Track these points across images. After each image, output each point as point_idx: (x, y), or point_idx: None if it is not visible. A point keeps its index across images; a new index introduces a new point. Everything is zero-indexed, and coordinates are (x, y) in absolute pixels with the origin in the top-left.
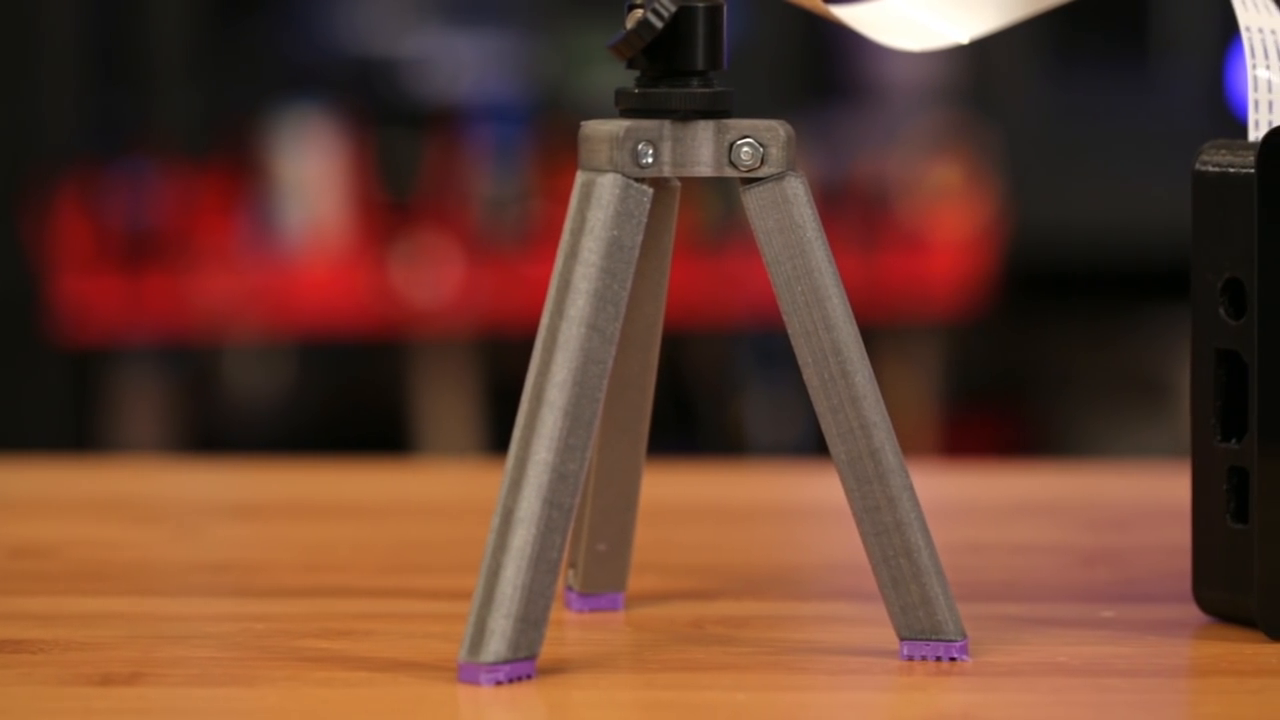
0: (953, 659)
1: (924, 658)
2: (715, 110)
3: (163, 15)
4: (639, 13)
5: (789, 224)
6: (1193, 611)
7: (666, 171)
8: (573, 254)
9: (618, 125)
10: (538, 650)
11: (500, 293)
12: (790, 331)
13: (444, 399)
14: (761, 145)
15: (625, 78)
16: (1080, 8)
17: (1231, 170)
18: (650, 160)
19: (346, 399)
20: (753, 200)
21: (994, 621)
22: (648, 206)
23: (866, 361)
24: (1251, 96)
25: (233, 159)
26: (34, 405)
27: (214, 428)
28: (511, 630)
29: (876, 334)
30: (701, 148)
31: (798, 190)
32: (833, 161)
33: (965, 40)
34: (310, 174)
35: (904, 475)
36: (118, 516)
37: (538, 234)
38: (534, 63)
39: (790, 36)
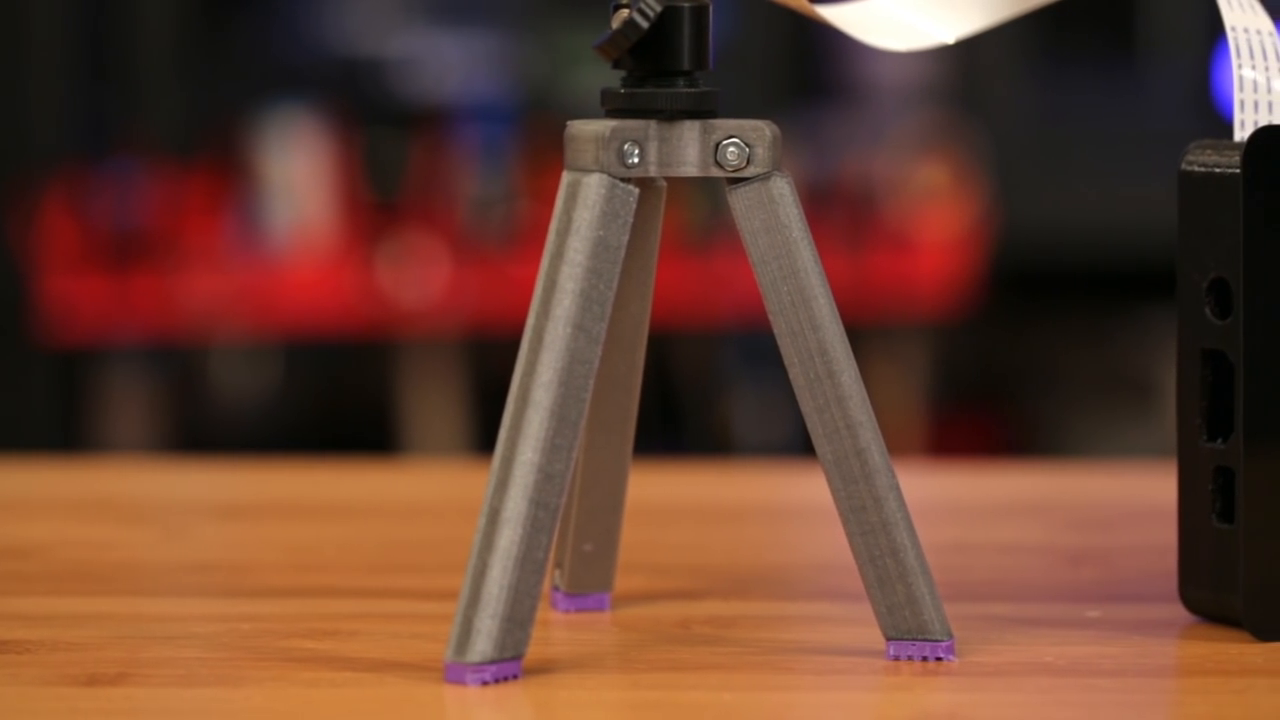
0: (939, 659)
1: (910, 657)
2: (701, 110)
3: (149, 15)
4: (625, 13)
5: (775, 224)
6: (1179, 611)
7: (652, 171)
8: (559, 254)
9: (603, 125)
10: (524, 650)
11: (487, 293)
12: (776, 331)
13: (430, 399)
14: (747, 145)
15: (611, 78)
16: (1066, 8)
17: (1217, 170)
18: (636, 160)
19: (333, 399)
20: (739, 200)
21: (980, 621)
22: (633, 206)
23: (852, 361)
24: (1237, 96)
25: (219, 159)
26: (20, 405)
27: (200, 428)
28: (498, 630)
29: (863, 334)
30: (687, 148)
31: (784, 190)
32: (819, 161)
33: (951, 40)
34: (297, 174)
35: (890, 475)
36: (104, 517)
37: (524, 234)
38: (520, 63)
39: (776, 36)
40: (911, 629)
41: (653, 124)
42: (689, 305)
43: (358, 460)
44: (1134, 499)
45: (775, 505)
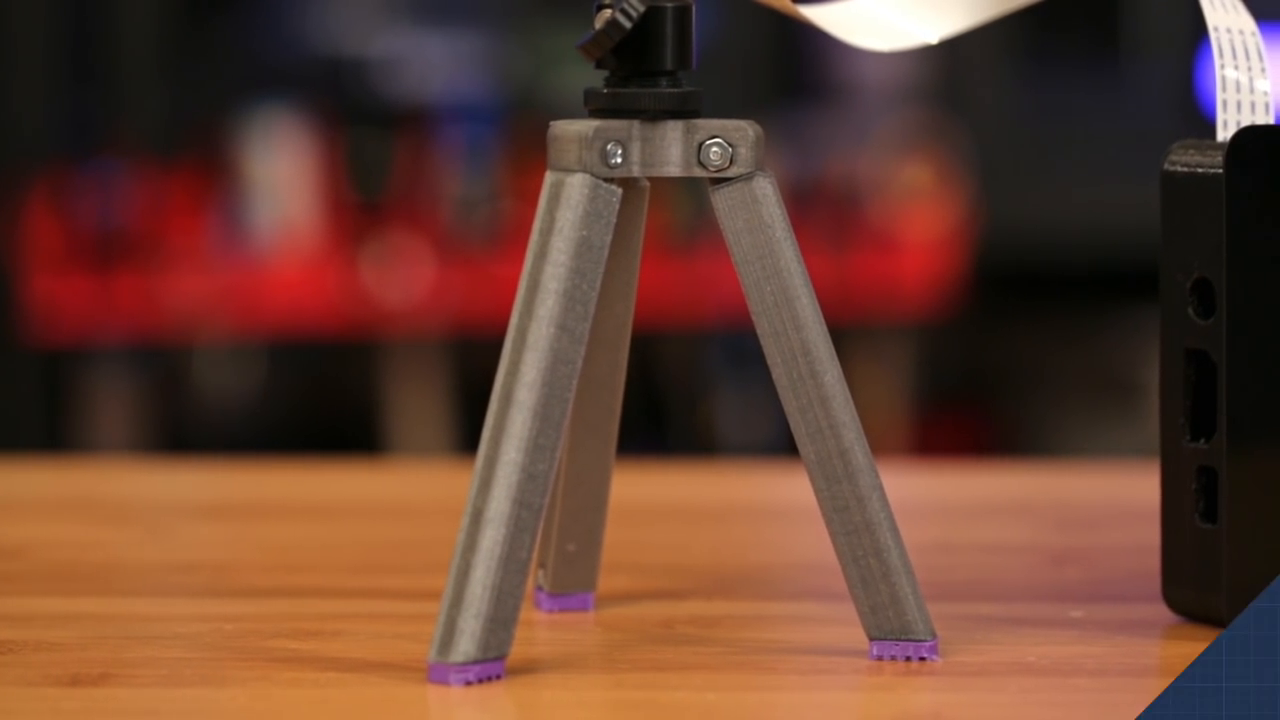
0: (922, 659)
1: (893, 658)
2: (684, 110)
3: (132, 15)
4: (608, 13)
5: (758, 224)
6: (1162, 611)
7: (635, 171)
8: (542, 254)
9: (586, 125)
10: (507, 650)
11: (470, 293)
12: (759, 331)
13: (414, 399)
14: (730, 145)
15: (595, 78)
16: (1050, 8)
17: (1200, 170)
18: (619, 160)
19: (317, 399)
20: (722, 200)
21: (963, 621)
22: (616, 206)
23: (835, 361)
24: (1220, 96)
25: (203, 159)
26: (4, 405)
27: (184, 428)
28: (481, 630)
29: (847, 334)
30: (670, 148)
31: (766, 190)
32: (803, 161)
33: (934, 40)
34: (280, 174)
35: (873, 475)
36: (88, 517)
37: (508, 234)
38: (504, 63)
39: (760, 36)
40: (895, 629)
41: (636, 124)
42: (672, 305)
43: (342, 460)
44: (1117, 499)
45: (759, 505)
